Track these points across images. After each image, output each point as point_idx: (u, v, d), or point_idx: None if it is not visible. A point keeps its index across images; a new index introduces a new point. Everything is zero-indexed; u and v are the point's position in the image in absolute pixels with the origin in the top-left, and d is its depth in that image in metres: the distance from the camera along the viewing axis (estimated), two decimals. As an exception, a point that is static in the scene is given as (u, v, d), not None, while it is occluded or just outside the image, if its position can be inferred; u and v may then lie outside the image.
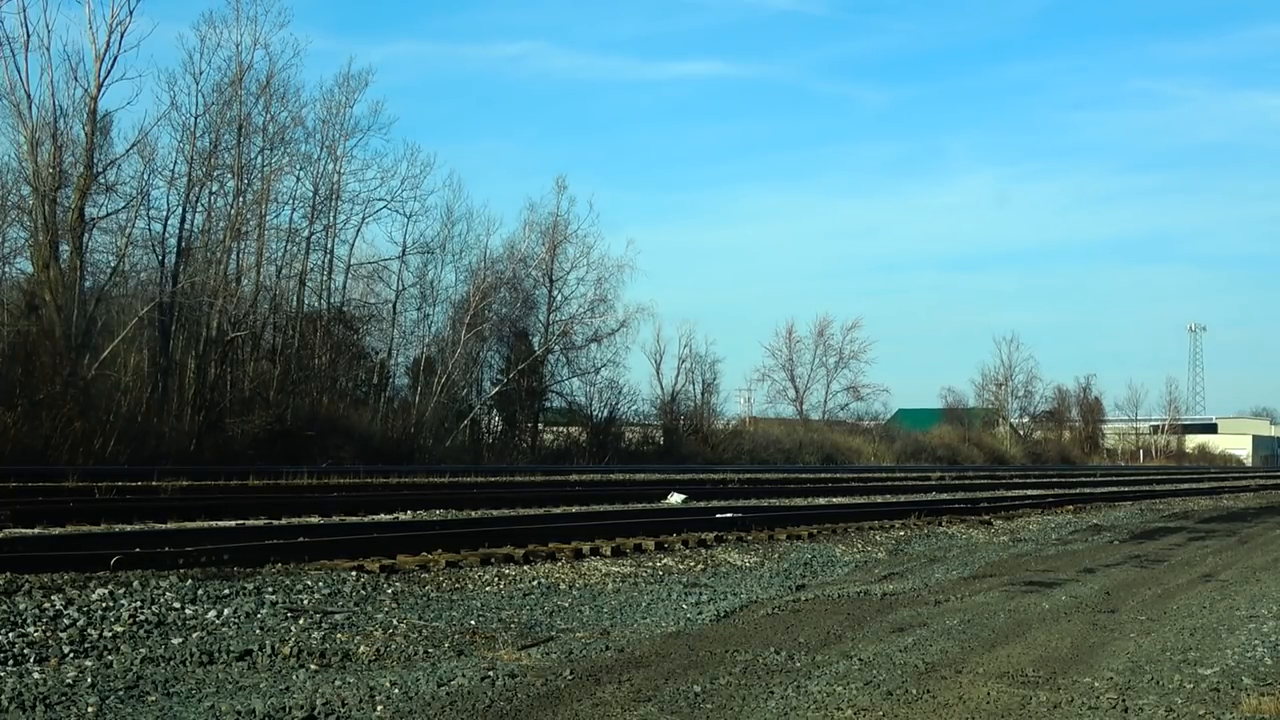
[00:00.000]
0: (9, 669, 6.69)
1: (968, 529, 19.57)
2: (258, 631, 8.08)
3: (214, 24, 33.79)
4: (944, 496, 28.80)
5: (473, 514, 18.47)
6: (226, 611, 8.54)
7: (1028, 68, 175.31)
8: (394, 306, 39.74)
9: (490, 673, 6.87)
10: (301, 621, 8.44)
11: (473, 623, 8.84)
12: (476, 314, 40.55)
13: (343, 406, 35.94)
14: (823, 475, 39.98)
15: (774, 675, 7.17)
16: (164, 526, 14.37)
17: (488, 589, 10.59)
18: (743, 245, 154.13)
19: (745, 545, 15.21)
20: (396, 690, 6.41)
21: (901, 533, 18.27)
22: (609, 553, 13.43)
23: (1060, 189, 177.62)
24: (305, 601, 9.20)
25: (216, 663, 7.05)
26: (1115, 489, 37.55)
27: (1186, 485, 44.97)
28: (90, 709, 5.89)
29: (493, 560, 12.20)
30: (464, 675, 6.80)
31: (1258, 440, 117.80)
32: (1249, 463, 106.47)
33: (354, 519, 16.60)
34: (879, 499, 27.35)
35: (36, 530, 13.55)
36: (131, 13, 30.30)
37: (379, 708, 6.06)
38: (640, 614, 9.66)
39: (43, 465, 22.52)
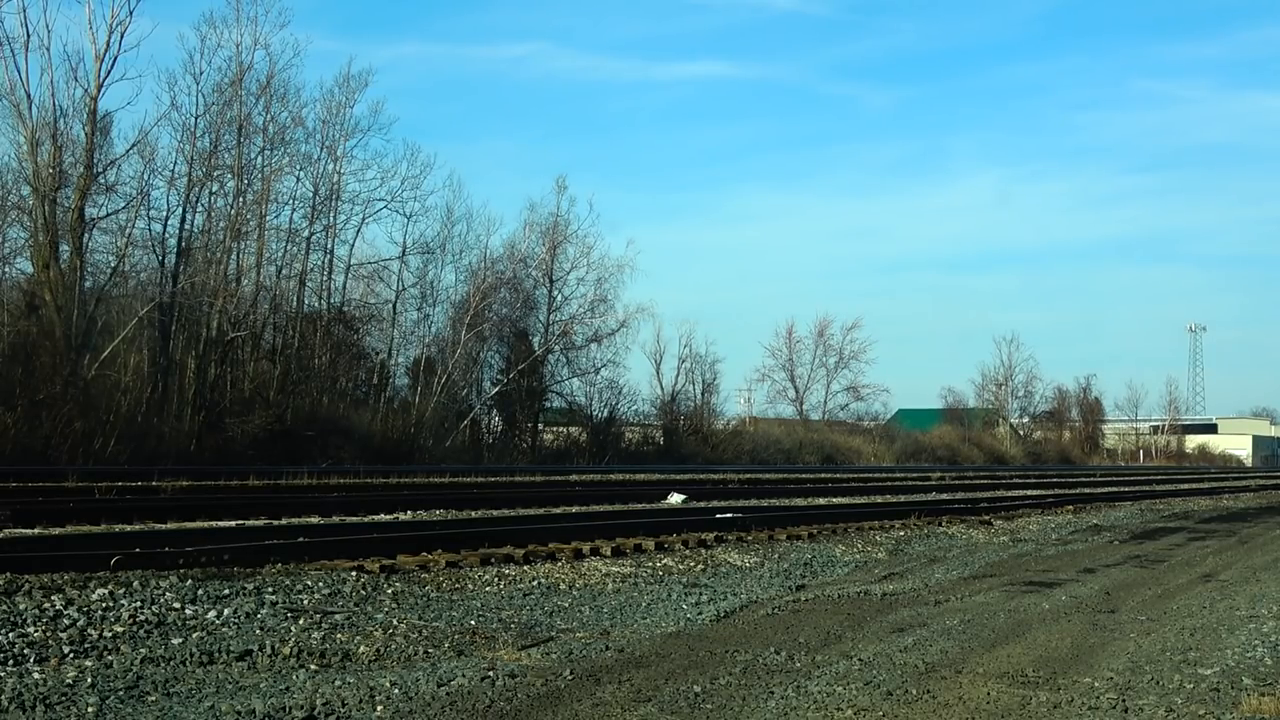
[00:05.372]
0: (9, 669, 6.68)
1: (968, 529, 19.57)
2: (258, 631, 8.08)
3: (214, 24, 33.90)
4: (944, 497, 28.82)
5: (473, 514, 18.47)
6: (226, 611, 8.54)
7: (1032, 68, 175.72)
8: (394, 307, 39.80)
9: (490, 673, 6.87)
10: (301, 621, 8.44)
11: (473, 623, 8.84)
12: (476, 314, 40.56)
13: (343, 406, 35.97)
14: (823, 475, 40.02)
15: (774, 675, 7.16)
16: (164, 526, 14.37)
17: (488, 589, 10.58)
18: (743, 245, 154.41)
19: (745, 545, 15.21)
20: (396, 690, 6.41)
21: (901, 533, 18.26)
22: (609, 553, 13.42)
23: (1063, 189, 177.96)
24: (305, 601, 9.20)
25: (216, 663, 7.05)
26: (1115, 489, 37.55)
27: (1186, 485, 44.97)
28: (90, 709, 5.89)
29: (493, 560, 12.20)
30: (464, 675, 6.79)
31: (1258, 440, 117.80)
32: (1249, 463, 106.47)
33: (354, 519, 16.60)
34: (879, 499, 27.34)
35: (36, 530, 13.55)
36: (131, 13, 30.40)
37: (379, 708, 6.05)
38: (640, 614, 9.65)
39: (43, 465, 22.55)
